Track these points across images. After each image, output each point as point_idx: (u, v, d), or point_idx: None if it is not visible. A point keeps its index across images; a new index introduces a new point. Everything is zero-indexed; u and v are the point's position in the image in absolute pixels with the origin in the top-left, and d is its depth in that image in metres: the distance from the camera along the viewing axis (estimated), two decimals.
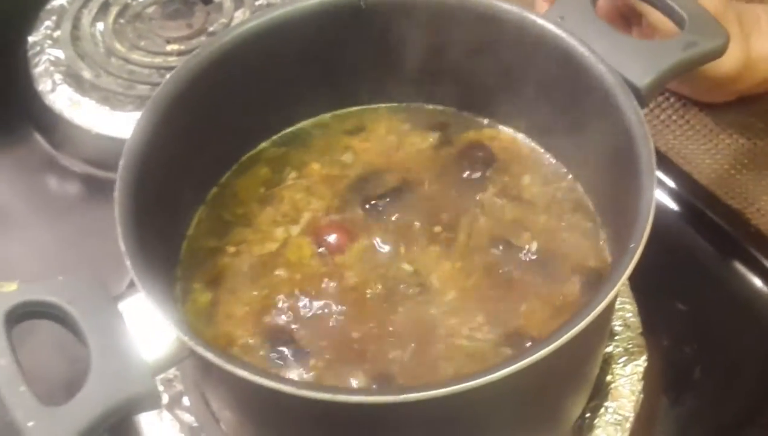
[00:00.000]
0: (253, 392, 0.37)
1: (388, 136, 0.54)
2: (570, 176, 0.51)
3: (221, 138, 0.50)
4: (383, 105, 0.55)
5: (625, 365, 0.54)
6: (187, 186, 0.49)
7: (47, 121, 0.69)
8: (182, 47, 0.71)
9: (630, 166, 0.42)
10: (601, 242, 0.49)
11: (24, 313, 0.38)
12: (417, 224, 0.50)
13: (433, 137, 0.54)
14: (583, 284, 0.48)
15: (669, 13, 0.49)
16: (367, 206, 0.51)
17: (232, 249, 0.50)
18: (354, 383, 0.43)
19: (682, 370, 0.55)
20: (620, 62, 0.46)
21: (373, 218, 0.51)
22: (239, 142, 0.53)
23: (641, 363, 0.54)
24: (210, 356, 0.36)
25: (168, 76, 0.47)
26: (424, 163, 0.53)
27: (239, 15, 0.73)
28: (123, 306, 0.39)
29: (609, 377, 0.54)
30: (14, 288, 0.38)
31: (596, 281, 0.47)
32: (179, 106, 0.46)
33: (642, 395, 0.53)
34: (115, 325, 0.38)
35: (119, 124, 0.66)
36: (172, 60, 0.70)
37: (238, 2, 0.74)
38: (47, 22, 0.73)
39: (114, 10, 0.73)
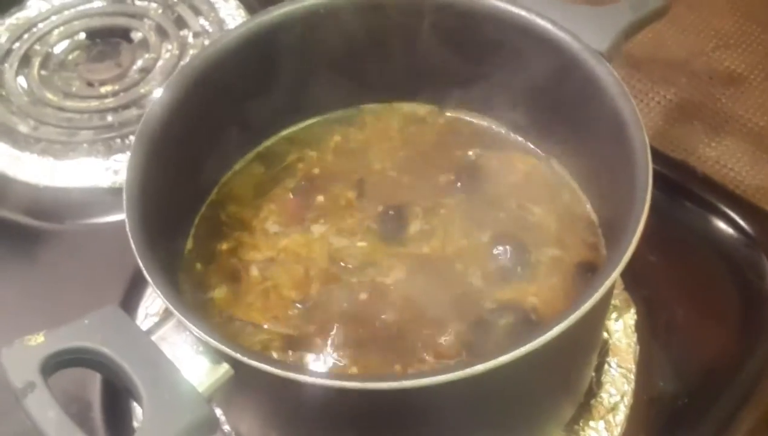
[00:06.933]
0: (310, 395, 0.37)
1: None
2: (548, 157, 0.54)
3: (210, 151, 0.51)
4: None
5: (616, 321, 0.57)
6: (184, 199, 0.50)
7: None
8: (116, 87, 0.69)
9: (616, 134, 0.45)
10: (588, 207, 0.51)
11: (58, 362, 0.36)
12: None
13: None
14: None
15: None
16: None
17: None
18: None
19: (666, 316, 0.58)
20: (580, 31, 0.49)
21: None
22: (233, 146, 0.54)
23: (631, 316, 0.57)
24: (261, 365, 0.36)
25: (149, 107, 0.47)
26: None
27: (167, 48, 0.72)
28: (155, 338, 0.38)
29: (605, 335, 0.56)
30: (41, 339, 0.37)
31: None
32: (165, 135, 0.46)
33: (638, 346, 0.56)
34: (155, 357, 0.37)
35: (66, 174, 0.65)
36: (109, 101, 0.68)
37: (164, 36, 0.73)
38: None
39: (36, 62, 0.71)
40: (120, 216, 0.61)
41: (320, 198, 0.53)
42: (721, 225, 0.61)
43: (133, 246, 0.40)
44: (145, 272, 0.39)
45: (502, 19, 0.50)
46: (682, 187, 0.64)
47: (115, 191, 0.64)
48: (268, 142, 0.56)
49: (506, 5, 0.50)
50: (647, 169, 0.42)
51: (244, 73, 0.51)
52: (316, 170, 0.55)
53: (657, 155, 0.65)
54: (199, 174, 0.51)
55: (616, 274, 0.39)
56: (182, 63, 0.71)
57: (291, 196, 0.53)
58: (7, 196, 0.65)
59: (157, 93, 0.68)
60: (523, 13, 0.50)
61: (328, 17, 0.52)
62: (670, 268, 0.60)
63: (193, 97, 0.49)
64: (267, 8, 0.52)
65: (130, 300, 0.57)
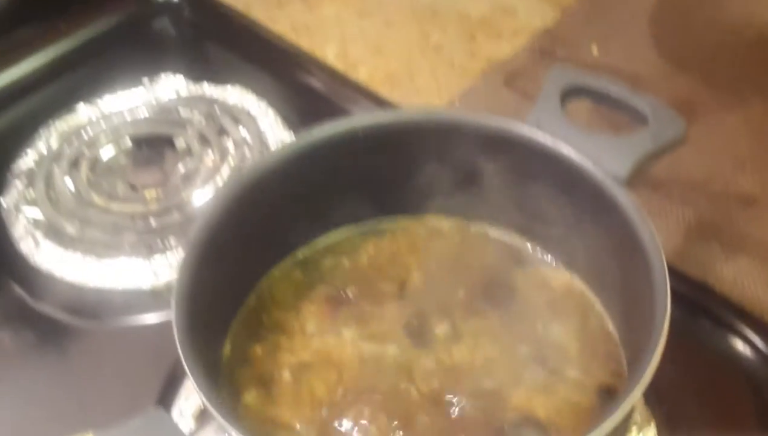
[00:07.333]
0: None
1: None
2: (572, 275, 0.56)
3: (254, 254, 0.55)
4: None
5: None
6: (226, 304, 0.53)
7: (32, 279, 0.69)
8: (159, 191, 0.73)
9: (638, 262, 0.47)
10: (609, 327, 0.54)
11: None
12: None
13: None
14: None
15: (632, 113, 0.55)
16: None
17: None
18: None
19: (687, 434, 0.59)
20: (602, 158, 0.52)
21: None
22: (273, 253, 0.58)
23: (651, 431, 0.58)
24: None
25: (199, 217, 0.50)
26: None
27: (208, 156, 0.76)
28: None
29: None
30: None
31: None
32: (212, 243, 0.50)
33: None
34: None
35: (108, 274, 0.68)
36: (152, 205, 0.72)
37: (206, 144, 0.77)
38: (17, 183, 0.74)
39: (84, 165, 0.75)
40: (157, 316, 0.66)
41: (353, 305, 0.56)
42: (739, 345, 0.63)
43: (180, 351, 0.43)
44: (190, 376, 0.42)
45: (528, 144, 0.54)
46: (700, 306, 0.66)
47: (154, 292, 0.67)
48: (305, 250, 0.59)
49: (532, 133, 0.54)
50: (666, 297, 0.45)
51: (285, 188, 0.55)
52: (350, 278, 0.58)
53: (676, 274, 0.68)
54: (241, 279, 0.55)
55: (635, 396, 0.41)
56: (223, 169, 0.74)
57: (326, 302, 0.56)
58: (51, 293, 0.68)
59: (198, 198, 0.72)
60: (548, 140, 0.53)
61: (366, 138, 0.56)
62: (690, 385, 0.61)
63: (239, 208, 0.53)
64: (308, 129, 0.56)
65: (165, 398, 0.59)
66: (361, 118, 0.57)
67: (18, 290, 0.69)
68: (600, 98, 0.57)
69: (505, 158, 0.55)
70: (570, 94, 0.56)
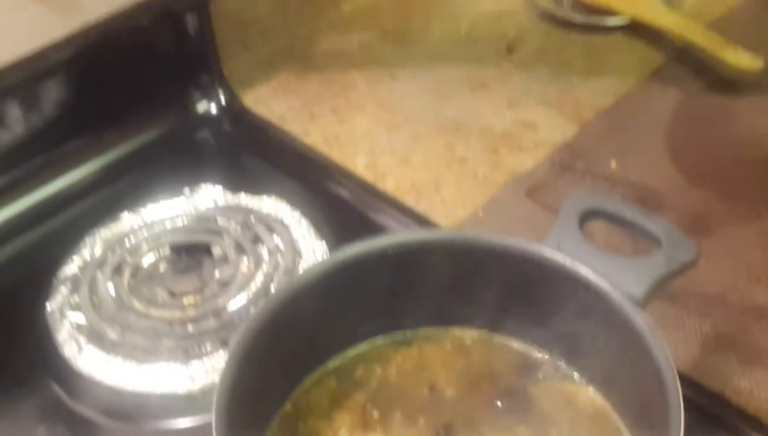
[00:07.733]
0: None
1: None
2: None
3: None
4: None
5: None
6: (263, 410, 0.56)
7: (72, 381, 0.72)
8: (197, 298, 0.77)
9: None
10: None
11: None
12: None
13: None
14: None
15: (647, 235, 0.58)
16: None
17: None
18: None
19: None
20: (618, 279, 0.55)
21: None
22: (307, 362, 0.61)
23: None
24: None
25: (243, 324, 0.55)
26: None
27: (244, 263, 0.80)
28: None
29: None
30: None
31: None
32: (251, 354, 0.54)
33: None
34: None
35: (146, 378, 0.71)
36: (190, 311, 0.75)
37: (241, 252, 0.81)
38: (62, 289, 0.78)
39: (127, 272, 0.79)
40: (192, 420, 0.69)
41: (383, 413, 0.59)
42: None
43: None
44: None
45: (549, 265, 0.57)
46: (717, 417, 0.67)
47: (189, 396, 0.70)
48: (338, 359, 0.62)
49: (552, 254, 0.57)
50: (679, 415, 0.47)
51: (318, 303, 0.58)
52: (381, 386, 0.61)
53: (693, 385, 0.70)
54: (278, 387, 0.58)
55: None
56: (257, 276, 0.78)
57: (360, 409, 0.59)
58: (89, 395, 0.71)
59: (233, 304, 0.76)
60: (567, 261, 0.57)
61: (395, 257, 0.59)
62: None
63: (276, 321, 0.56)
64: (340, 247, 0.60)
65: None
66: (389, 238, 0.60)
67: (57, 390, 0.72)
68: (616, 221, 0.60)
69: (527, 277, 0.58)
70: (587, 216, 0.60)
